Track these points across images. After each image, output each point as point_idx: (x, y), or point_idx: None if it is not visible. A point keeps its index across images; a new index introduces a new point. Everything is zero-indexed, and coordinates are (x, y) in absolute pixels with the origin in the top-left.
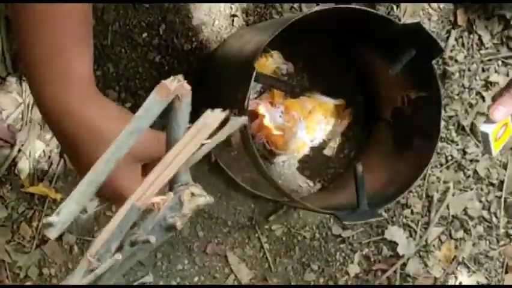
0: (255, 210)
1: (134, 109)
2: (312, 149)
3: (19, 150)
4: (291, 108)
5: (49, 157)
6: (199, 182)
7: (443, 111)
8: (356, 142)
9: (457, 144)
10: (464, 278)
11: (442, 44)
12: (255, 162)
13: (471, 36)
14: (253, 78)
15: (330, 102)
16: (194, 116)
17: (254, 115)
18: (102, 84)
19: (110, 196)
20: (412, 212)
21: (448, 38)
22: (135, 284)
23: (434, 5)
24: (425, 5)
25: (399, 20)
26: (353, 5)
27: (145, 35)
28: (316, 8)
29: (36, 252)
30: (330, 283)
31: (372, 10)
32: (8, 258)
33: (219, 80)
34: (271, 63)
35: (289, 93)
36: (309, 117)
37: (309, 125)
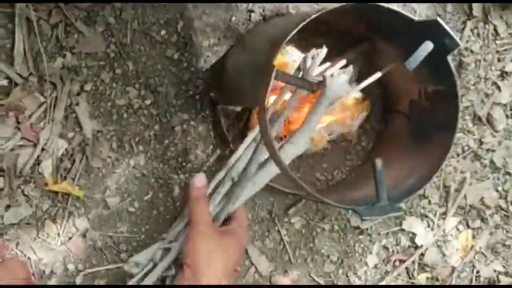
0: (274, 203)
1: (154, 105)
2: (330, 141)
3: (42, 149)
4: (306, 101)
5: (71, 155)
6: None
7: (460, 105)
8: (373, 134)
9: (473, 134)
10: (481, 266)
11: (458, 35)
12: (274, 157)
13: (486, 26)
14: (273, 78)
15: (348, 95)
16: (213, 111)
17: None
18: (122, 82)
19: None
20: (430, 203)
21: (463, 28)
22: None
23: None
24: None
25: (415, 11)
26: (369, 4)
27: (163, 32)
28: (334, 6)
29: (61, 249)
30: (350, 274)
31: (388, 6)
32: (34, 255)
33: (237, 77)
34: (287, 56)
35: (308, 90)
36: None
37: (326, 118)
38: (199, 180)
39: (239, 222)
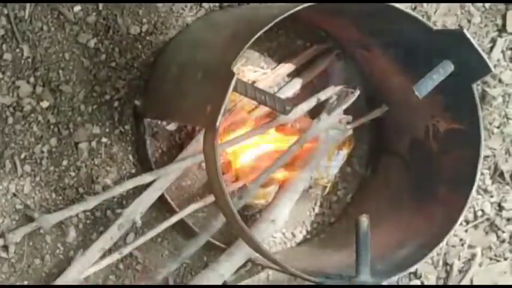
0: (208, 264)
1: (53, 110)
2: None
3: None
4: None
5: None
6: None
7: (482, 152)
8: (355, 182)
9: (491, 196)
10: None
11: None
12: (221, 200)
13: None
14: (232, 87)
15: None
16: (137, 126)
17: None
18: (11, 72)
19: None
20: (423, 285)
21: (491, 48)
22: None
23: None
24: None
25: (429, 17)
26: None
27: (77, 8)
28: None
29: None
30: None
31: (396, 6)
32: None
33: (177, 83)
34: (244, 63)
35: (279, 111)
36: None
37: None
38: None
39: None
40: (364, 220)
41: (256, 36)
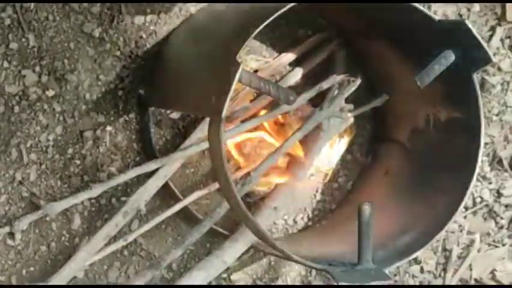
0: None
1: (59, 99)
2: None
3: None
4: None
5: None
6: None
7: (482, 141)
8: (355, 169)
9: (490, 183)
10: None
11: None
12: (226, 190)
13: None
14: (237, 78)
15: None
16: (141, 115)
17: None
18: (17, 62)
19: None
20: (422, 270)
21: (491, 36)
22: None
23: None
24: None
25: (429, 7)
26: None
27: None
28: None
29: None
30: None
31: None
32: None
33: (181, 72)
34: (246, 52)
35: (283, 102)
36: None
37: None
38: None
39: None
40: (366, 208)
41: (261, 27)
